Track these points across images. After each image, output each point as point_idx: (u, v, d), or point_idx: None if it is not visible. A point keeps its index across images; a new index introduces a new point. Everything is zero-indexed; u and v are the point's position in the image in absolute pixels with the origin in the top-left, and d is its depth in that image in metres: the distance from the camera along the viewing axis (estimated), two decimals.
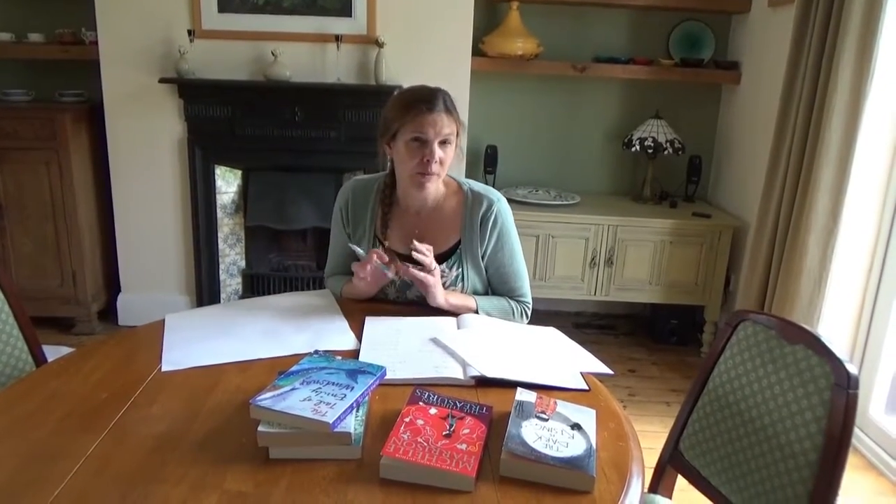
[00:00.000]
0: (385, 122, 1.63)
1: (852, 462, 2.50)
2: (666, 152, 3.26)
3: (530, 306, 1.78)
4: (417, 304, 1.69)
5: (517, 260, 1.75)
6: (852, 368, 1.16)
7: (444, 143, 1.59)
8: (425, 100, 1.56)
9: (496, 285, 1.76)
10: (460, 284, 1.71)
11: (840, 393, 1.15)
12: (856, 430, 2.35)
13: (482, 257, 1.71)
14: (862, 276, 2.59)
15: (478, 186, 1.74)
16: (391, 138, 1.62)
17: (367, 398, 1.17)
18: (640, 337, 3.57)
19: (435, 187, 1.66)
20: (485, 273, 1.74)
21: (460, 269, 1.70)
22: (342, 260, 1.81)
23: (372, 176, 1.80)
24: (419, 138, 1.57)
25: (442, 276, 1.67)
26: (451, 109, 1.59)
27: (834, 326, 2.58)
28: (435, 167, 1.58)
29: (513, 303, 1.75)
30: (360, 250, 1.62)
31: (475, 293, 1.73)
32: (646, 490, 1.27)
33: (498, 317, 1.69)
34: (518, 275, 1.76)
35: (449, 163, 1.62)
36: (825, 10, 2.43)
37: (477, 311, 1.67)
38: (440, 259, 1.69)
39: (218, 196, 3.26)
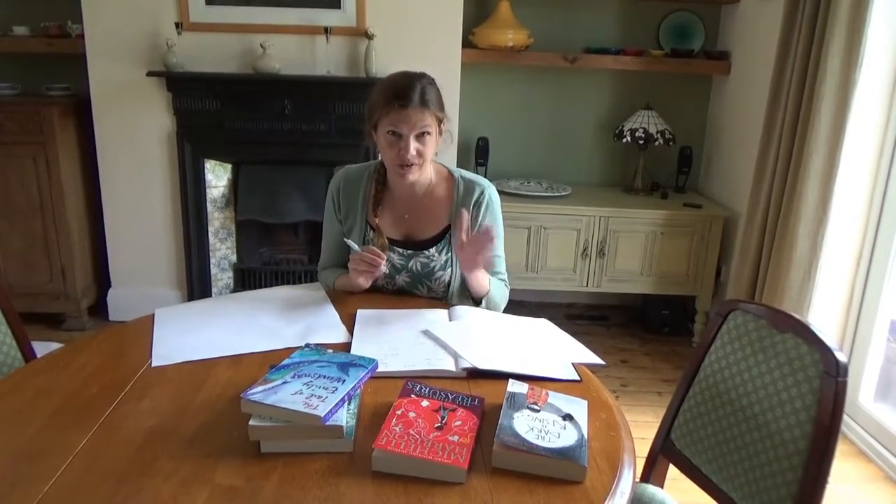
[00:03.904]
0: (368, 110, 1.66)
1: (842, 449, 2.52)
2: (657, 143, 3.27)
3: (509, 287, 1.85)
4: (406, 292, 1.75)
5: (502, 245, 1.82)
6: (841, 356, 1.17)
7: (421, 134, 1.60)
8: (400, 95, 1.56)
9: None
10: (449, 269, 1.74)
11: (829, 381, 1.16)
12: (845, 418, 2.37)
13: None
14: (851, 265, 2.60)
15: (468, 175, 1.78)
16: (373, 127, 1.65)
17: (358, 391, 1.16)
18: (632, 327, 3.58)
19: (418, 176, 1.67)
20: None
21: (449, 254, 1.73)
22: (336, 250, 1.82)
23: (363, 164, 1.83)
24: (394, 132, 1.59)
25: (430, 260, 1.72)
26: (427, 103, 1.58)
27: (823, 315, 2.60)
28: (412, 159, 1.60)
29: (504, 284, 1.82)
30: (354, 245, 1.63)
31: (463, 277, 1.75)
32: (637, 479, 1.28)
33: (497, 301, 1.74)
34: (502, 259, 1.82)
35: (430, 152, 1.64)
36: (814, 0, 2.43)
37: (488, 290, 1.69)
38: (429, 244, 1.73)
39: (208, 190, 3.25)
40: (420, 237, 1.75)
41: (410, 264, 1.73)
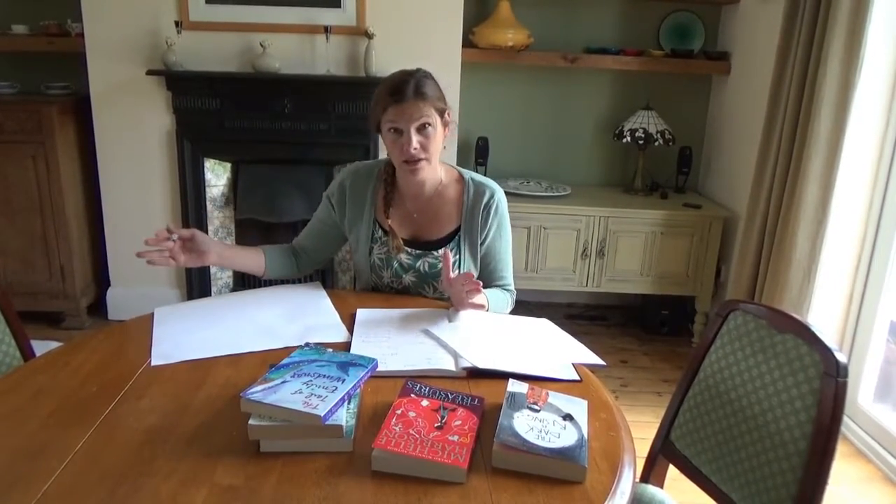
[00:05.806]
0: (371, 114, 1.67)
1: (841, 450, 2.52)
2: (656, 143, 3.27)
3: (515, 295, 1.83)
4: (412, 292, 1.75)
5: (509, 250, 1.80)
6: (841, 357, 1.16)
7: (423, 127, 1.59)
8: (395, 90, 1.57)
9: (486, 272, 1.79)
10: (457, 272, 1.71)
11: (829, 381, 1.16)
12: (845, 418, 2.36)
13: (481, 244, 1.74)
14: (851, 265, 2.60)
15: (478, 177, 1.78)
16: (377, 129, 1.65)
17: (358, 390, 1.16)
18: (632, 328, 3.58)
19: (427, 174, 1.66)
20: (479, 260, 1.77)
21: (458, 256, 1.73)
22: (312, 235, 1.85)
23: (373, 161, 1.83)
24: (395, 128, 1.59)
25: (438, 261, 1.71)
26: (423, 95, 1.57)
27: (823, 315, 2.60)
28: (417, 153, 1.59)
29: (506, 294, 1.79)
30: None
31: None
32: (637, 480, 1.27)
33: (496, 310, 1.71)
34: (508, 264, 1.81)
35: (435, 145, 1.62)
36: (814, 1, 2.43)
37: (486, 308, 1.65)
38: (438, 244, 1.73)
39: (207, 189, 3.24)
40: (428, 238, 1.74)
41: (418, 264, 1.73)
